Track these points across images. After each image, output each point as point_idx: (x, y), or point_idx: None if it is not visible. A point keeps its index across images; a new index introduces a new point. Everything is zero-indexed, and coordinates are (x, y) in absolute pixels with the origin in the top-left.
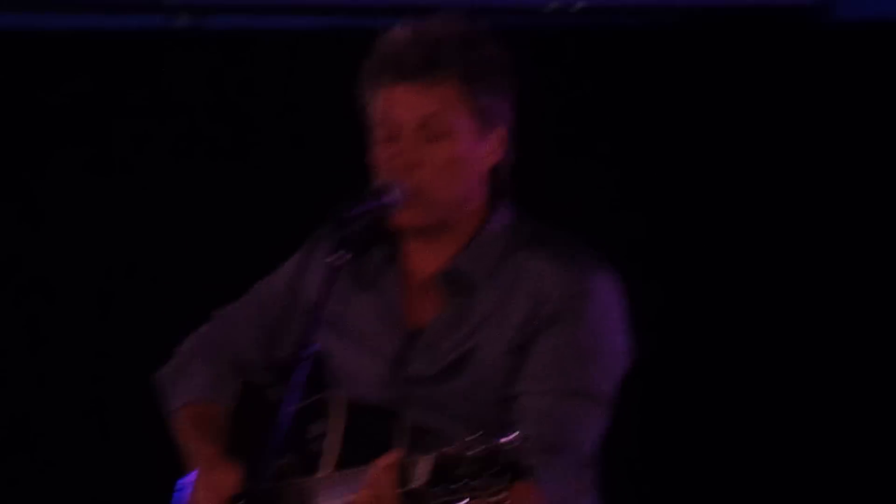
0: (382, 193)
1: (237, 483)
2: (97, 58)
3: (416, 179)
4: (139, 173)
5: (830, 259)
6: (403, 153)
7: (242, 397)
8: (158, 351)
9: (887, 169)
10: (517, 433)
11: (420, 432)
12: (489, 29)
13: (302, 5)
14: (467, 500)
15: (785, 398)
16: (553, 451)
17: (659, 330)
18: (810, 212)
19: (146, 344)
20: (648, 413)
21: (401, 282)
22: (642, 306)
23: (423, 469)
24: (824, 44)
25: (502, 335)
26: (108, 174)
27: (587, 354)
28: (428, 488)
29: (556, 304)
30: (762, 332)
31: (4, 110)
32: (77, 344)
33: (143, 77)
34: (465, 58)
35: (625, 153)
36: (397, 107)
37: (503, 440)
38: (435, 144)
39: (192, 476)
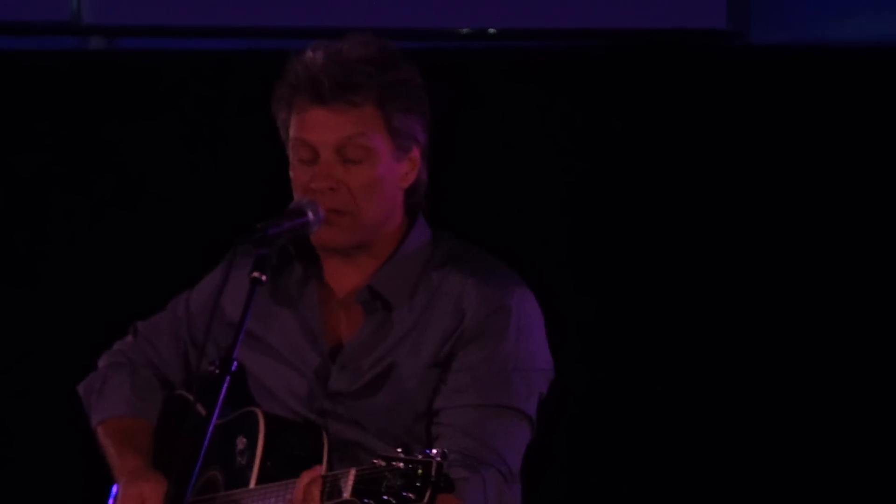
0: (300, 213)
1: (160, 493)
2: (8, 79)
3: (337, 202)
4: (49, 195)
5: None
6: (322, 176)
7: (166, 410)
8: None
9: (800, 190)
10: (438, 449)
11: (341, 446)
12: (400, 51)
13: (213, 28)
14: None
15: (776, 400)
16: (475, 466)
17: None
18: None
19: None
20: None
21: (320, 299)
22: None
23: (345, 483)
24: (739, 68)
25: (421, 352)
26: (19, 196)
27: (509, 369)
28: (351, 502)
29: (477, 321)
30: (743, 337)
31: None
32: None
33: (56, 98)
34: (380, 80)
35: (540, 173)
36: (314, 130)
37: (423, 455)
38: (353, 167)
39: (115, 490)
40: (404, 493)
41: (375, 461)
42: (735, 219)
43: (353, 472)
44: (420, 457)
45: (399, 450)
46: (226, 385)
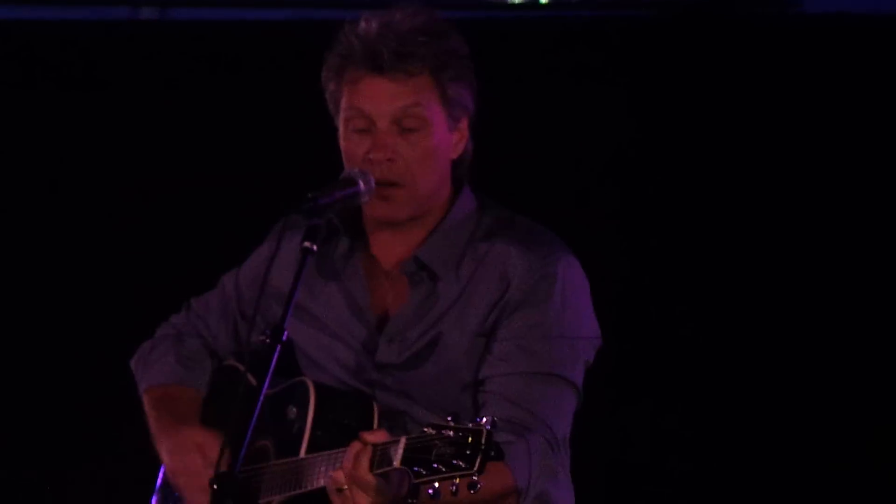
0: (351, 183)
1: (209, 439)
2: (63, 49)
3: (394, 173)
4: (106, 165)
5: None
6: (380, 146)
7: (216, 381)
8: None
9: (855, 162)
10: (487, 416)
11: (390, 416)
12: (449, 20)
13: None
14: (438, 482)
15: (778, 397)
16: (522, 432)
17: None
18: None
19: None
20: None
21: (366, 270)
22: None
23: (395, 452)
24: (792, 37)
25: (467, 322)
26: (77, 165)
27: (554, 336)
28: (401, 470)
29: (522, 289)
30: (741, 332)
31: None
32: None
33: (109, 69)
34: (434, 49)
35: (583, 145)
36: (371, 99)
37: (473, 424)
38: (410, 136)
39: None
40: (454, 461)
41: (426, 429)
42: (786, 188)
43: (403, 440)
44: (470, 425)
45: (449, 418)
46: (277, 354)
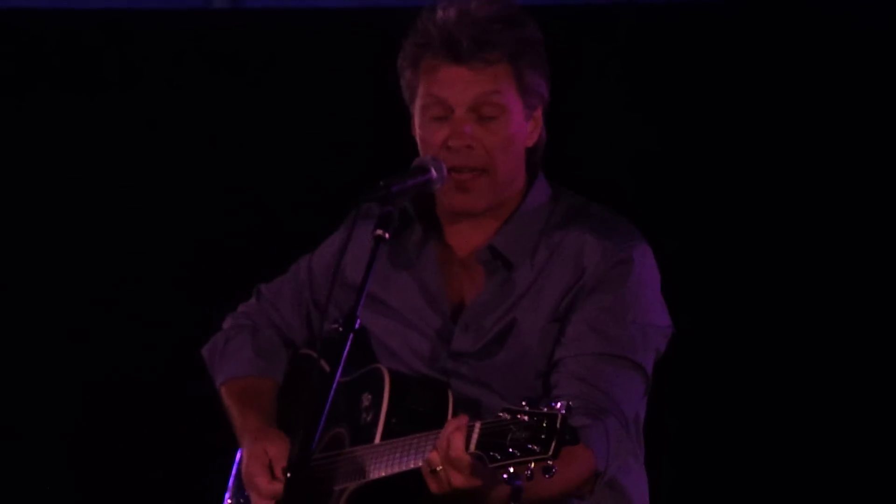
0: (424, 170)
1: (285, 452)
2: (137, 37)
3: (473, 160)
4: (176, 150)
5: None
6: (459, 134)
7: (292, 370)
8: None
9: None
10: (562, 402)
11: (464, 404)
12: (524, 8)
13: None
14: (514, 467)
15: (785, 397)
16: (598, 413)
17: None
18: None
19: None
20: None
21: (440, 259)
22: None
23: (470, 437)
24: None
25: (541, 308)
26: (145, 149)
27: (627, 321)
28: (477, 454)
29: (597, 274)
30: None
31: (37, 88)
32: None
33: (182, 57)
34: (511, 37)
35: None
36: (450, 87)
37: (548, 408)
38: (489, 124)
39: (239, 453)
40: (529, 446)
41: (500, 414)
42: (786, 188)
43: (478, 425)
44: (545, 409)
45: (524, 402)
46: (349, 342)
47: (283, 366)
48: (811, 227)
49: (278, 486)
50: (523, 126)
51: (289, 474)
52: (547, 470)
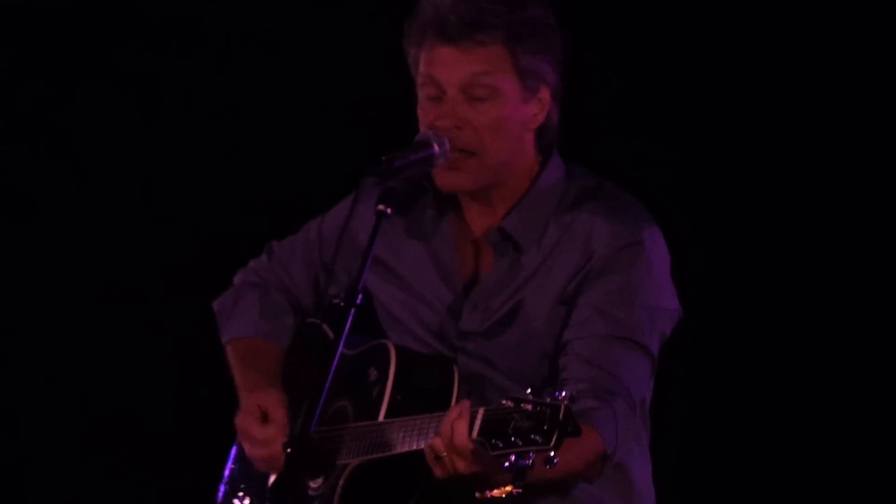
0: (426, 146)
1: (279, 402)
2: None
3: (462, 140)
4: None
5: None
6: (447, 114)
7: (299, 337)
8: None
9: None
10: (567, 391)
11: (469, 381)
12: None
13: None
14: (515, 455)
15: (778, 397)
16: (606, 395)
17: None
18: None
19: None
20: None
21: (456, 236)
22: None
23: (473, 424)
24: None
25: (549, 290)
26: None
27: (635, 304)
28: (479, 441)
29: (606, 255)
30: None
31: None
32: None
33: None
34: (508, 19)
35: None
36: (441, 68)
37: (552, 398)
38: (479, 105)
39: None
40: (532, 436)
41: (504, 402)
42: (787, 187)
43: (480, 412)
44: (548, 399)
45: (528, 391)
46: (350, 318)
47: (289, 330)
48: (815, 214)
49: (269, 431)
50: (521, 109)
51: (288, 449)
52: (548, 461)
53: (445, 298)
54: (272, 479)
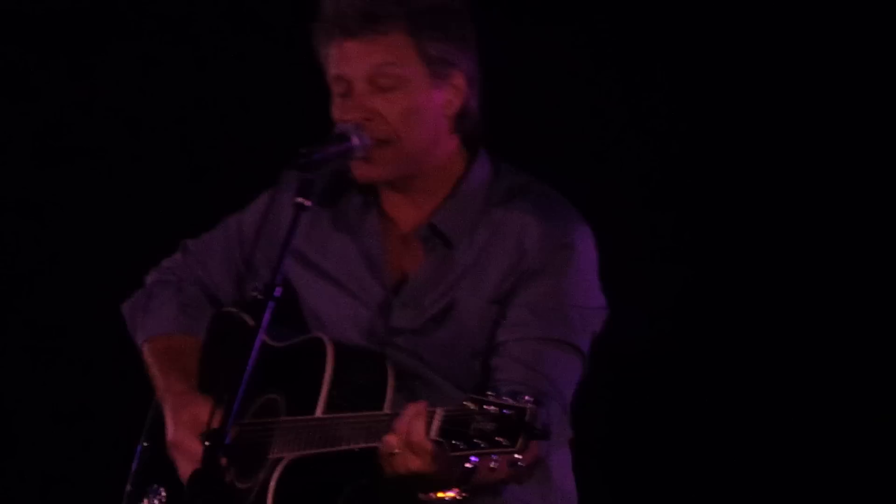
0: (344, 138)
1: (213, 412)
2: None
3: (377, 132)
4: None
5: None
6: (354, 108)
7: (214, 328)
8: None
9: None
10: (528, 395)
11: (401, 377)
12: None
13: None
14: (477, 457)
15: (776, 397)
16: (541, 399)
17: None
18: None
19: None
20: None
21: (383, 230)
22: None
23: (431, 425)
24: None
25: (482, 289)
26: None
27: (568, 305)
28: (438, 441)
29: (539, 258)
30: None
31: None
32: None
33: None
34: (409, 7)
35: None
36: (345, 63)
37: (516, 400)
38: (388, 95)
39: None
40: (496, 438)
41: (466, 403)
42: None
43: (439, 412)
44: (511, 401)
45: (489, 392)
46: (269, 311)
47: (206, 323)
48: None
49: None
50: (432, 95)
51: (206, 443)
52: (512, 464)
53: (374, 292)
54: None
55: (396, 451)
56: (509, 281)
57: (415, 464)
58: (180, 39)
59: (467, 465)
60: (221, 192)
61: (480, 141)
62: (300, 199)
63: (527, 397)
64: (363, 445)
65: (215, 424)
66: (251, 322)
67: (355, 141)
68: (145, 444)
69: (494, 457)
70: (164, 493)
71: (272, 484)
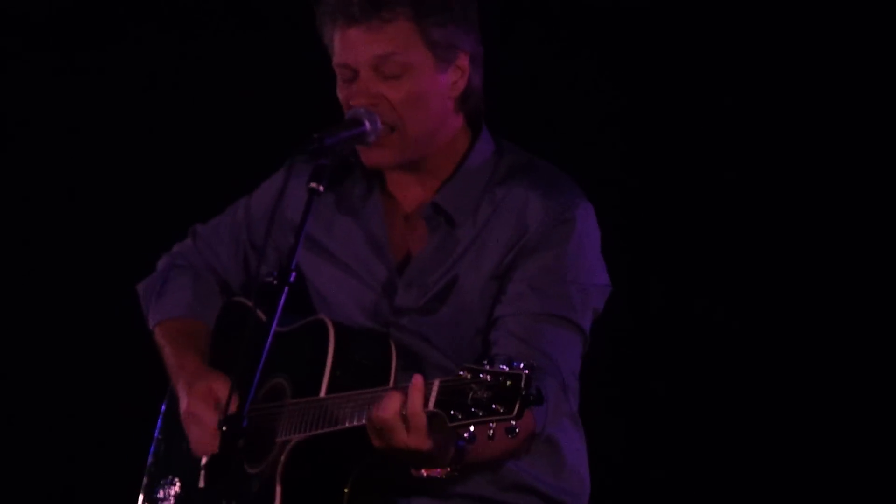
0: (357, 123)
1: (227, 389)
2: None
3: (381, 117)
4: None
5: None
6: (360, 93)
7: (224, 316)
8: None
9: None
10: (523, 363)
11: (405, 357)
12: None
13: None
14: (474, 426)
15: (776, 397)
16: (538, 373)
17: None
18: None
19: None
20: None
21: (386, 211)
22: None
23: (429, 395)
24: None
25: (483, 265)
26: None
27: (567, 281)
28: (437, 412)
29: (539, 232)
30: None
31: None
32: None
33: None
34: None
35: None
36: (350, 50)
37: (511, 368)
38: (393, 82)
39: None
40: (493, 406)
41: (461, 373)
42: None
43: (436, 382)
44: (506, 369)
45: (485, 362)
46: (284, 296)
47: (217, 311)
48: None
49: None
50: (438, 79)
51: (224, 428)
52: (510, 430)
53: (379, 274)
54: (205, 460)
55: (392, 424)
56: (510, 256)
57: (413, 438)
58: (189, 26)
59: (465, 433)
60: (229, 178)
61: (482, 116)
62: (314, 185)
63: (521, 364)
64: (364, 423)
65: (232, 409)
66: (260, 311)
67: (367, 125)
68: (159, 437)
69: (492, 425)
70: (178, 484)
71: (280, 466)
